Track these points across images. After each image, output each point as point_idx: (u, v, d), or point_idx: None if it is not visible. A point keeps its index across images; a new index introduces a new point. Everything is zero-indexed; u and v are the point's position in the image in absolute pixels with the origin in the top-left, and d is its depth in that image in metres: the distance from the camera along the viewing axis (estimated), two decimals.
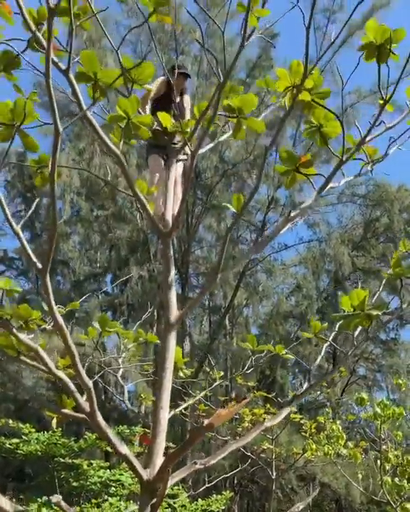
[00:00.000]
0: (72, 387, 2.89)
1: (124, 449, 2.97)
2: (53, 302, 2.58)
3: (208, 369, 5.89)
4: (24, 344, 2.86)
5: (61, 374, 2.89)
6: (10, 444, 12.22)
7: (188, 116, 5.07)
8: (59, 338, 2.87)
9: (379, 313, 3.43)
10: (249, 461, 10.57)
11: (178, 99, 4.96)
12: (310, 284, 23.47)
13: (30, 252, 2.59)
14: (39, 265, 2.55)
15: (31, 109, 2.82)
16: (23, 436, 12.43)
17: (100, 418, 2.89)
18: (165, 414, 3.25)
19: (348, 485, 16.44)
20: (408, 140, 3.85)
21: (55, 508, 10.07)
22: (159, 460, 3.10)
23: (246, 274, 21.62)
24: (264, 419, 9.63)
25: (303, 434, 9.86)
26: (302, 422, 9.65)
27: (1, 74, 3.27)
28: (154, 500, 2.88)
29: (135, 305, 22.30)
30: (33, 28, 3.08)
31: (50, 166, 2.39)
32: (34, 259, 2.57)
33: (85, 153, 21.83)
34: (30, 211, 3.75)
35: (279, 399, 9.76)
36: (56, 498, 2.62)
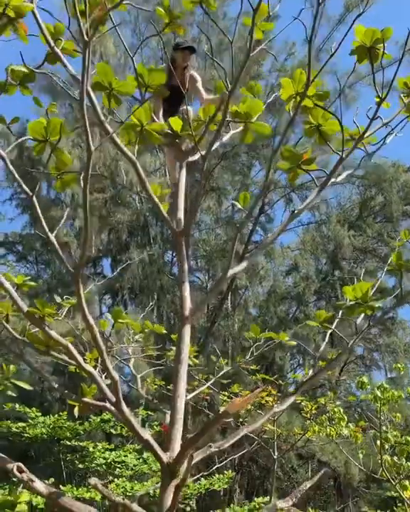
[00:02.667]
0: (100, 379, 3.14)
1: (146, 434, 3.22)
2: (84, 305, 2.81)
3: (213, 357, 6.12)
4: (54, 340, 3.10)
5: (90, 368, 3.14)
6: (16, 428, 12.47)
7: (204, 94, 4.99)
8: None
9: (380, 305, 3.68)
10: (250, 441, 10.84)
11: (181, 77, 4.82)
12: (309, 265, 23.60)
13: (63, 257, 2.81)
14: (72, 270, 2.78)
15: (62, 123, 3.03)
16: (29, 420, 12.70)
17: (124, 407, 3.14)
18: (182, 403, 3.51)
19: (347, 463, 16.79)
20: (405, 124, 4.06)
21: (82, 489, 10.39)
22: (177, 445, 3.36)
23: (246, 257, 21.74)
24: (266, 402, 9.93)
25: (304, 415, 10.14)
26: (302, 403, 9.92)
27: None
28: (176, 481, 3.14)
29: (135, 289, 22.42)
30: (52, 43, 3.29)
31: (82, 185, 2.59)
32: (69, 267, 2.80)
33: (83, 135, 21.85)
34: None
35: (280, 381, 10.02)
36: (94, 480, 2.87)
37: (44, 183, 21.72)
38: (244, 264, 3.79)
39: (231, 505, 13.52)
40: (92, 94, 3.29)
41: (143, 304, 21.08)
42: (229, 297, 22.40)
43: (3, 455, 3.13)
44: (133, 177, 20.59)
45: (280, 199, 23.27)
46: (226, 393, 9.59)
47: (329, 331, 4.29)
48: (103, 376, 3.49)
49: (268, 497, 11.14)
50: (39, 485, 3.03)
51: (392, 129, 4.05)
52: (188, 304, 3.69)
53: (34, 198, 2.83)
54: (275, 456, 10.36)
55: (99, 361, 3.63)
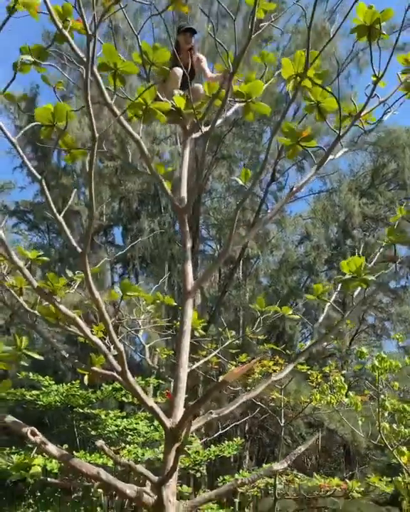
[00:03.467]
0: (105, 349, 3.32)
1: (150, 401, 3.42)
2: (91, 280, 2.97)
3: (220, 328, 6.28)
4: (63, 314, 3.27)
5: (96, 339, 3.32)
6: (30, 396, 12.75)
7: (208, 73, 5.06)
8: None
9: (374, 278, 3.83)
10: (258, 409, 11.06)
11: (188, 60, 4.90)
12: (320, 234, 23.57)
13: (70, 236, 2.96)
14: (79, 249, 2.93)
15: (69, 108, 3.16)
16: (43, 388, 12.99)
17: (129, 376, 3.32)
18: (184, 373, 3.70)
19: (354, 431, 17.06)
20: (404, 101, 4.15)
21: (95, 455, 10.68)
22: (180, 411, 3.56)
23: (262, 226, 21.72)
24: (274, 370, 10.13)
25: (310, 383, 10.34)
26: (309, 372, 10.10)
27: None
28: (177, 444, 3.33)
29: (147, 258, 22.49)
30: (60, 25, 3.39)
31: (87, 167, 2.72)
32: (74, 243, 2.96)
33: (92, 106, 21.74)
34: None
35: (287, 351, 10.19)
36: (100, 442, 3.07)
37: (54, 151, 21.65)
38: (251, 235, 3.91)
39: (240, 471, 13.88)
40: (98, 76, 3.40)
41: (154, 274, 21.21)
42: (240, 267, 22.42)
43: (17, 420, 3.32)
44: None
45: (291, 167, 23.07)
46: (234, 363, 9.79)
47: (328, 304, 4.42)
48: (112, 347, 3.65)
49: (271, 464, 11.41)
50: (51, 447, 3.23)
51: (390, 107, 4.15)
52: (190, 279, 3.86)
53: (43, 182, 2.95)
54: (282, 424, 10.60)
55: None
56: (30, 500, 11.72)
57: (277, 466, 3.71)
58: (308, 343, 12.26)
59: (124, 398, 13.54)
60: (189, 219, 3.89)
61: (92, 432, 12.67)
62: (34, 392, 12.87)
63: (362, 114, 3.92)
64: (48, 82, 3.71)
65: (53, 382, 13.17)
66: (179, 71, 4.49)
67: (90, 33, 2.92)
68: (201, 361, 4.64)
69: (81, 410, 12.86)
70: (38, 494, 11.99)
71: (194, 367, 4.29)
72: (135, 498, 3.39)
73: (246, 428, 19.96)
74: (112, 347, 3.64)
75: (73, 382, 13.20)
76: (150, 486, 3.53)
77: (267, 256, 24.46)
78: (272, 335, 22.11)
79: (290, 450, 22.07)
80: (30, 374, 12.97)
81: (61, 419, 14.75)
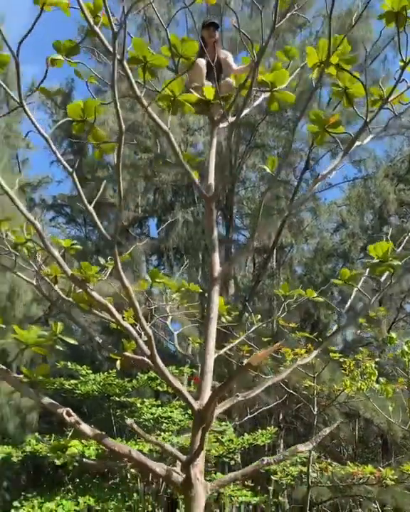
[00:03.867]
0: (136, 335, 3.46)
1: (178, 384, 3.55)
2: (120, 268, 3.10)
3: (246, 314, 6.39)
4: (96, 300, 3.41)
5: (127, 324, 3.46)
6: (69, 385, 13.04)
7: (234, 66, 5.09)
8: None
9: (400, 263, 3.89)
10: (291, 397, 11.11)
11: (213, 55, 4.98)
12: (355, 221, 23.40)
13: (100, 225, 3.09)
14: (109, 237, 3.06)
15: (97, 104, 3.29)
16: (81, 377, 13.26)
17: (158, 360, 3.45)
18: (211, 358, 3.83)
19: (389, 420, 17.00)
20: None
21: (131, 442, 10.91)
22: (207, 394, 3.69)
23: (290, 214, 21.68)
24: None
25: (343, 372, 10.36)
26: (341, 359, 10.12)
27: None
28: (204, 425, 3.46)
29: (181, 249, 22.65)
30: (91, 21, 3.50)
31: (115, 159, 2.84)
32: (104, 232, 3.09)
33: (127, 98, 21.90)
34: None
35: (320, 339, 10.23)
36: (130, 420, 3.21)
37: (90, 144, 21.85)
38: (271, 228, 4.00)
39: None
40: (128, 69, 3.50)
41: (191, 265, 21.34)
42: (274, 256, 22.39)
43: (53, 401, 3.48)
44: (176, 137, 20.70)
45: (325, 154, 22.83)
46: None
47: (355, 289, 4.48)
48: (142, 333, 3.78)
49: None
50: (85, 427, 3.39)
51: None
52: (217, 267, 3.98)
53: (74, 174, 3.08)
54: (314, 412, 10.66)
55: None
56: (69, 486, 11.99)
57: (302, 448, 3.81)
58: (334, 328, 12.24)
59: (159, 387, 13.75)
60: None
61: (128, 420, 12.86)
62: (72, 381, 13.16)
63: (390, 98, 3.96)
64: (81, 76, 3.84)
65: (90, 371, 13.44)
66: (202, 62, 4.58)
67: (115, 29, 3.03)
68: (228, 347, 4.74)
69: (117, 399, 13.10)
70: (77, 480, 12.27)
71: (221, 352, 4.40)
72: (165, 477, 3.53)
73: (280, 417, 20.04)
74: (142, 333, 3.77)
75: (110, 371, 13.45)
76: (180, 467, 3.67)
77: (302, 244, 24.39)
78: (307, 324, 22.12)
79: (325, 440, 22.16)
80: (69, 363, 13.26)
81: (99, 407, 15.04)
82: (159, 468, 3.55)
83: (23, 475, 14.44)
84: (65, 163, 3.25)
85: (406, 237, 4.65)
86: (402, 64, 3.80)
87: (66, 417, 3.33)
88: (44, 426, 15.04)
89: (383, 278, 4.33)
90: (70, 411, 3.36)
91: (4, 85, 3.26)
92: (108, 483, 12.38)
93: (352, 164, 24.07)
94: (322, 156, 22.81)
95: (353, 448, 25.33)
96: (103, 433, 3.51)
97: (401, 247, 4.40)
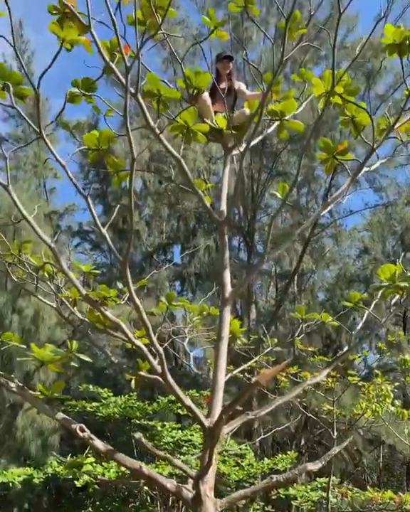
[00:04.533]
0: (147, 353, 3.61)
1: (188, 401, 3.68)
2: (132, 288, 3.27)
3: (263, 337, 6.50)
4: (109, 320, 3.58)
5: (139, 342, 3.62)
6: (90, 408, 13.16)
7: (247, 93, 5.28)
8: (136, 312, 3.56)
9: (407, 285, 4.01)
10: (305, 420, 11.10)
11: (226, 85, 5.17)
12: (377, 247, 23.49)
13: (113, 247, 3.27)
14: (121, 258, 3.24)
15: (112, 134, 3.50)
16: (102, 400, 13.39)
17: (169, 377, 3.60)
18: (222, 375, 3.96)
19: None
20: None
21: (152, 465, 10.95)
22: (217, 411, 3.82)
23: (312, 240, 21.88)
24: (323, 381, 10.25)
25: (362, 396, 10.39)
26: (360, 383, 10.17)
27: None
28: (214, 441, 3.59)
29: (202, 275, 22.87)
30: (107, 58, 3.72)
31: (128, 184, 3.03)
32: (117, 254, 3.27)
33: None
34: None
35: (339, 363, 10.28)
36: (138, 434, 3.34)
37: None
38: (280, 250, 4.17)
39: (294, 484, 13.94)
40: (142, 102, 3.70)
41: (210, 290, 21.48)
42: (295, 281, 22.52)
43: (67, 417, 3.63)
44: (199, 165, 21.06)
45: (349, 184, 22.94)
46: (284, 374, 9.99)
47: (366, 313, 4.61)
48: (160, 350, 3.91)
49: (327, 478, 11.47)
50: (98, 443, 3.53)
51: None
52: (228, 288, 4.13)
53: (89, 199, 3.27)
54: (334, 436, 10.66)
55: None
56: (90, 509, 12.07)
57: (312, 466, 3.90)
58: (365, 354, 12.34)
59: (180, 411, 13.80)
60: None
61: (137, 434, 12.93)
62: (94, 404, 13.28)
63: (396, 127, 4.11)
64: (99, 111, 4.07)
65: (112, 394, 13.57)
66: (205, 95, 4.76)
67: (129, 64, 3.24)
68: (240, 368, 4.87)
69: (138, 422, 13.17)
70: (97, 503, 12.34)
71: (234, 373, 4.53)
72: (175, 493, 3.65)
73: (302, 442, 19.95)
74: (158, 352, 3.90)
75: (131, 394, 13.57)
76: (191, 484, 3.78)
77: (324, 270, 24.50)
78: (329, 349, 22.10)
79: (348, 466, 21.93)
80: (90, 386, 13.40)
81: (120, 430, 15.11)
82: (170, 484, 3.66)
83: (44, 497, 14.54)
84: (79, 188, 3.45)
85: None
86: (407, 93, 3.97)
87: (80, 433, 3.47)
88: (66, 448, 15.15)
89: (393, 301, 4.44)
90: (84, 427, 3.50)
91: (26, 117, 3.47)
92: (128, 506, 12.43)
93: (374, 191, 24.21)
94: (343, 184, 22.90)
95: (378, 476, 25.05)
96: (114, 449, 3.63)
97: None
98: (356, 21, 21.56)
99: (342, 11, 3.56)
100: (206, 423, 3.70)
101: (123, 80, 3.62)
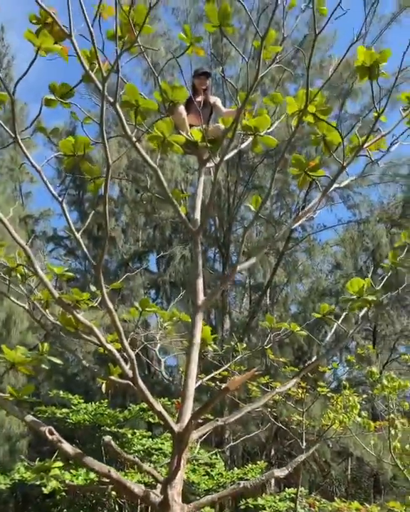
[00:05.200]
0: (119, 357, 3.66)
1: (159, 407, 3.73)
2: (105, 292, 3.32)
3: (235, 346, 6.57)
4: (81, 323, 3.63)
5: (110, 346, 3.67)
6: (60, 414, 13.08)
7: (222, 110, 5.38)
8: (108, 317, 3.61)
9: (375, 298, 4.12)
10: (275, 430, 11.17)
11: (203, 99, 5.33)
12: (349, 263, 23.80)
13: (86, 251, 3.32)
14: (94, 263, 3.30)
15: (88, 141, 3.56)
16: (73, 407, 13.33)
17: (140, 382, 3.65)
18: (193, 382, 4.02)
19: (380, 458, 17.03)
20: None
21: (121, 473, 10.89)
22: (187, 417, 3.87)
23: (285, 254, 22.11)
24: (294, 392, 10.37)
25: (330, 406, 10.52)
26: (329, 395, 10.29)
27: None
28: (183, 446, 3.64)
29: (177, 284, 22.97)
30: (87, 66, 3.78)
31: (103, 191, 3.10)
32: (90, 258, 3.32)
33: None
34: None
35: (309, 375, 10.42)
36: (107, 438, 3.38)
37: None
38: (252, 261, 4.26)
39: (263, 494, 13.99)
40: (120, 112, 3.77)
41: (185, 298, 21.62)
42: (267, 294, 22.72)
43: (36, 419, 3.66)
44: (177, 176, 21.21)
45: (320, 200, 23.29)
46: (255, 383, 10.10)
47: (335, 324, 4.71)
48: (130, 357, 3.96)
49: (295, 488, 11.55)
50: (66, 446, 3.56)
51: (397, 138, 4.48)
52: (201, 295, 4.20)
53: (63, 204, 3.33)
54: (302, 447, 10.76)
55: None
56: None
57: (278, 473, 3.96)
58: (334, 367, 12.47)
59: (151, 419, 13.79)
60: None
61: (106, 438, 12.87)
62: (64, 410, 13.20)
63: (365, 146, 4.23)
64: (76, 118, 4.12)
65: (82, 400, 13.51)
66: (181, 108, 4.84)
67: (108, 74, 3.31)
68: (210, 375, 4.94)
69: (109, 429, 13.13)
70: (65, 510, 12.26)
71: (204, 380, 4.60)
72: (143, 497, 3.68)
73: (272, 453, 20.04)
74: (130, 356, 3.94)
75: (102, 401, 13.53)
76: (159, 489, 3.82)
77: (296, 283, 24.75)
78: (300, 361, 22.25)
79: (316, 477, 22.01)
80: (61, 392, 13.34)
81: (90, 437, 15.04)
82: (138, 488, 3.70)
83: (10, 503, 14.39)
84: (54, 193, 3.50)
85: (385, 277, 4.86)
86: (376, 114, 4.09)
87: (48, 436, 3.49)
88: (34, 454, 15.04)
89: (361, 314, 4.54)
90: (52, 429, 3.53)
91: (1, 122, 3.53)
92: None
93: (347, 208, 24.64)
94: (316, 198, 23.24)
95: (346, 488, 25.20)
96: (83, 453, 3.66)
97: (380, 285, 4.61)
98: (334, 41, 21.88)
99: (317, 32, 3.65)
100: (176, 428, 3.75)
101: (101, 88, 3.68)
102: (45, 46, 3.47)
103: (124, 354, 3.69)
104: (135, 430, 13.15)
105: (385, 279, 4.84)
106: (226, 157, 4.27)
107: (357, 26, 3.89)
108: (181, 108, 4.78)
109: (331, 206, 23.69)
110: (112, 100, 3.63)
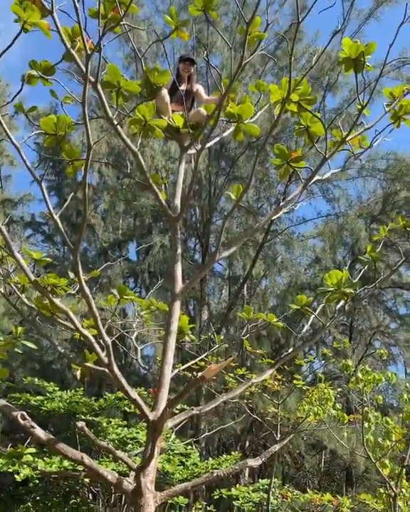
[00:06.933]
0: (95, 343, 3.61)
1: (134, 394, 3.69)
2: (82, 277, 3.26)
3: (212, 336, 6.54)
4: (57, 307, 3.57)
5: (86, 332, 3.61)
6: (35, 401, 12.95)
7: (204, 97, 5.32)
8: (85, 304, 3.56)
9: (352, 291, 4.11)
10: (251, 421, 11.19)
11: (186, 86, 5.24)
12: (328, 256, 23.85)
13: (63, 232, 3.26)
14: (72, 246, 3.23)
15: (70, 121, 3.48)
16: (48, 394, 13.22)
17: (116, 369, 3.60)
18: (169, 370, 3.98)
19: (353, 451, 17.16)
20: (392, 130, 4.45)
21: (95, 461, 10.85)
22: (162, 405, 3.83)
23: (265, 246, 22.10)
24: (270, 384, 10.39)
25: (306, 399, 10.55)
26: (304, 388, 10.33)
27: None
28: (157, 435, 3.60)
29: (156, 272, 22.86)
30: (68, 44, 3.70)
31: (82, 177, 3.03)
32: (68, 241, 3.26)
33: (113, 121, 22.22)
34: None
35: (287, 367, 10.44)
36: (81, 423, 3.33)
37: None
38: (232, 250, 4.22)
39: (237, 485, 14.02)
40: (102, 93, 3.71)
41: (164, 287, 21.57)
42: (245, 286, 22.74)
43: (8, 404, 3.60)
44: (158, 163, 21.08)
45: (301, 192, 23.32)
46: (232, 374, 10.11)
47: (312, 316, 4.69)
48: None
49: (268, 480, 11.59)
50: (39, 431, 3.51)
51: (379, 133, 4.45)
52: (179, 283, 4.15)
53: (42, 184, 3.26)
54: (277, 438, 10.79)
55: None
56: (29, 504, 11.92)
57: (252, 462, 3.95)
58: (310, 359, 12.50)
59: (126, 408, 13.72)
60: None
61: (79, 423, 12.80)
62: (39, 397, 13.09)
63: (348, 139, 4.20)
64: (56, 96, 4.04)
65: (58, 388, 13.41)
66: (164, 91, 4.76)
67: (88, 52, 3.24)
68: (187, 365, 4.91)
69: (84, 417, 13.04)
70: (38, 498, 12.19)
71: (180, 369, 4.57)
72: (115, 484, 3.65)
73: (246, 444, 20.11)
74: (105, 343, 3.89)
75: (77, 389, 13.45)
76: (133, 476, 3.78)
77: (275, 276, 24.75)
78: (278, 354, 22.30)
79: (290, 469, 22.13)
80: (36, 379, 13.23)
81: (65, 425, 14.96)
82: (111, 475, 3.66)
83: None
84: (32, 170, 3.42)
85: (362, 270, 4.85)
86: (359, 107, 4.06)
87: (20, 420, 3.44)
88: (7, 442, 14.93)
89: (338, 306, 4.53)
90: (25, 414, 3.48)
91: None
92: (69, 503, 12.31)
93: (326, 201, 24.70)
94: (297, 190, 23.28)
95: (319, 480, 25.39)
96: (56, 438, 3.61)
97: (357, 278, 4.59)
98: (318, 34, 21.91)
99: (300, 20, 3.61)
100: (150, 416, 3.71)
101: (82, 67, 3.61)
102: (31, 20, 3.38)
103: (101, 341, 3.65)
104: (111, 419, 13.06)
105: (362, 273, 4.84)
106: (208, 144, 4.21)
107: (336, 21, 3.87)
108: (164, 91, 4.71)
109: (310, 199, 23.76)
110: (93, 80, 3.56)
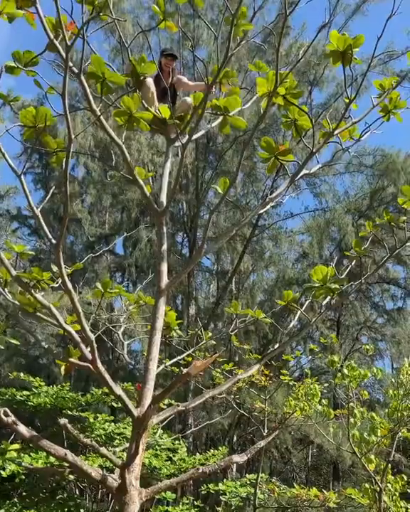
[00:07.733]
0: (78, 339, 3.55)
1: (118, 390, 3.64)
2: (64, 271, 3.21)
3: (199, 332, 6.50)
4: (40, 302, 3.50)
5: (69, 328, 3.55)
6: (21, 396, 12.86)
7: (190, 84, 5.31)
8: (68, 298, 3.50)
9: (337, 286, 4.08)
10: (238, 416, 11.19)
11: (167, 81, 5.15)
12: (315, 251, 23.88)
13: (46, 229, 3.20)
14: (53, 241, 3.18)
15: (49, 112, 3.42)
16: (34, 389, 13.13)
17: (99, 364, 3.54)
18: (154, 365, 3.93)
19: (339, 446, 17.20)
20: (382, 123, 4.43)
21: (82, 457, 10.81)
22: (147, 401, 3.78)
23: (252, 241, 22.09)
24: (258, 379, 10.38)
25: (293, 395, 10.54)
26: (291, 383, 10.32)
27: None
28: (142, 431, 3.56)
29: (143, 267, 22.81)
30: (51, 35, 3.63)
31: (64, 169, 2.97)
32: (49, 235, 3.20)
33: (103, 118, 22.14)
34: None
35: (274, 363, 10.44)
36: (63, 420, 3.28)
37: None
38: (219, 243, 4.17)
39: (224, 480, 14.01)
40: (85, 84, 3.64)
41: (151, 282, 21.47)
42: (233, 281, 22.74)
43: None
44: (144, 157, 20.99)
45: (288, 186, 23.34)
46: (219, 370, 10.10)
47: (298, 312, 4.66)
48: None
49: (256, 474, 11.58)
50: (22, 428, 3.45)
51: (369, 126, 4.42)
52: (165, 278, 4.10)
53: (22, 177, 3.20)
54: (264, 433, 10.77)
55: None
56: (15, 500, 11.84)
57: (237, 458, 3.91)
58: (300, 355, 12.52)
59: (113, 403, 13.66)
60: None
61: (61, 420, 12.74)
62: (25, 392, 13.00)
63: (336, 132, 4.16)
64: (39, 86, 3.96)
65: (44, 383, 13.33)
66: (149, 81, 4.70)
67: (70, 42, 3.17)
68: (173, 360, 4.87)
69: (70, 413, 12.97)
70: (24, 494, 12.11)
71: (166, 365, 4.52)
72: (100, 481, 3.60)
73: (234, 439, 20.13)
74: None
75: (63, 384, 13.37)
76: (118, 473, 3.74)
77: (263, 271, 24.76)
78: (265, 349, 22.32)
79: (277, 464, 22.19)
80: (22, 374, 13.14)
81: (51, 421, 14.87)
82: (95, 472, 3.62)
83: None
84: (12, 164, 3.34)
85: (349, 266, 4.82)
86: (347, 101, 4.01)
87: (3, 417, 3.38)
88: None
89: (324, 301, 4.50)
90: (7, 411, 3.41)
91: None
92: (56, 498, 12.24)
93: (314, 196, 24.74)
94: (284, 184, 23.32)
95: (306, 475, 25.49)
96: (39, 436, 3.55)
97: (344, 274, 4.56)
98: (304, 28, 21.93)
99: (288, 13, 3.56)
100: (136, 413, 3.67)
101: (63, 54, 3.53)
102: (7, 11, 3.31)
103: (84, 336, 3.59)
104: (97, 414, 12.99)
105: (348, 269, 4.82)
106: (195, 136, 4.15)
107: (322, 15, 3.84)
108: (150, 81, 4.64)
109: (298, 194, 23.77)
110: (76, 71, 3.49)
